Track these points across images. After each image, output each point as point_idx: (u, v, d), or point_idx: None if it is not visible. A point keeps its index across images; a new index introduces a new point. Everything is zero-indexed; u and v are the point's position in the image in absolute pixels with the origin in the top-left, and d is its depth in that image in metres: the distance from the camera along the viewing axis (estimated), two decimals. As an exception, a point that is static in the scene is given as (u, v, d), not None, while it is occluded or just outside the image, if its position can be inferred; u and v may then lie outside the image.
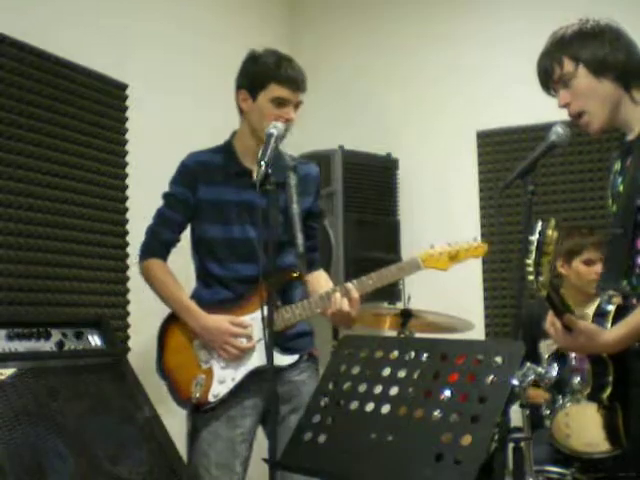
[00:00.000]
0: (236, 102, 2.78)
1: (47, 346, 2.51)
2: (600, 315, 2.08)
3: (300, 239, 2.44)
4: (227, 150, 2.81)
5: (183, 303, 2.73)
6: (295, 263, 2.68)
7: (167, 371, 2.72)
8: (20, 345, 2.43)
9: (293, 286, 2.78)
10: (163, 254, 2.80)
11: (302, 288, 2.83)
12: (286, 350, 2.70)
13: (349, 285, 2.68)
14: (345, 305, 2.64)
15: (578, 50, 2.15)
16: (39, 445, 2.21)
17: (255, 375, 2.68)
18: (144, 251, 2.82)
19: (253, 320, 2.70)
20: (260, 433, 2.80)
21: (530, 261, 1.89)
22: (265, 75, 2.69)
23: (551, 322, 2.06)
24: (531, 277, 1.89)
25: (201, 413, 2.64)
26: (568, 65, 2.16)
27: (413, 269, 2.74)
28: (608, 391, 2.05)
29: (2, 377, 2.27)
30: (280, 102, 2.68)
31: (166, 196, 2.82)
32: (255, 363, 2.69)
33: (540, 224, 1.90)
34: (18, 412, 2.22)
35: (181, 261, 2.88)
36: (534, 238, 1.89)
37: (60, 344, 2.53)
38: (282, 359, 2.67)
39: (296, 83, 2.70)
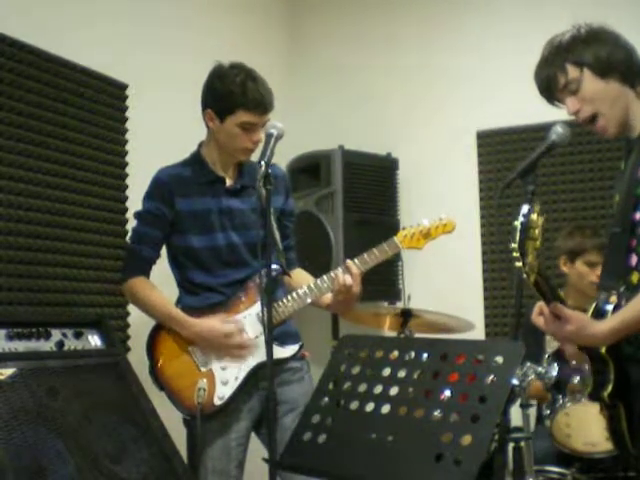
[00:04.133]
0: (203, 118, 2.78)
1: (47, 346, 2.50)
2: (598, 314, 2.08)
3: (277, 236, 2.44)
4: (197, 161, 2.83)
5: (171, 315, 2.72)
6: (278, 261, 2.66)
7: (165, 381, 2.69)
8: (20, 345, 2.43)
9: (276, 286, 2.78)
10: (144, 271, 2.79)
11: (283, 289, 2.83)
12: (283, 343, 2.73)
13: (349, 262, 2.71)
14: (348, 279, 2.66)
15: (580, 54, 2.13)
16: (39, 445, 2.20)
17: (255, 374, 2.69)
18: (125, 272, 2.82)
19: (245, 319, 2.72)
20: (252, 435, 2.81)
21: (515, 245, 1.87)
22: (232, 101, 2.67)
23: (538, 312, 2.04)
24: (518, 263, 1.88)
25: (205, 419, 2.61)
26: (572, 71, 2.14)
27: (393, 249, 2.77)
28: (609, 389, 2.05)
29: (2, 377, 2.27)
30: (248, 126, 2.70)
31: (140, 214, 2.81)
32: (256, 359, 2.69)
33: (524, 208, 1.89)
34: (18, 412, 2.21)
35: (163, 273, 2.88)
36: (518, 222, 1.88)
37: (60, 344, 2.53)
38: (282, 351, 2.70)
39: (263, 106, 2.70)
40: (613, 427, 2.10)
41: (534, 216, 1.87)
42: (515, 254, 1.88)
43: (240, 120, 2.69)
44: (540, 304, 2.04)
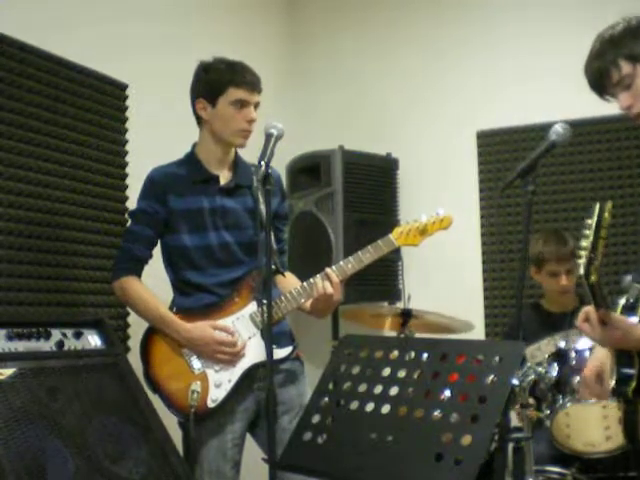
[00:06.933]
0: (194, 112, 2.80)
1: (47, 346, 2.50)
2: (629, 309, 2.07)
3: (272, 237, 2.45)
4: (191, 161, 2.84)
5: (162, 317, 2.71)
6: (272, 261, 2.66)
7: (159, 384, 2.69)
8: (20, 345, 2.43)
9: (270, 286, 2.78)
10: (136, 271, 2.78)
11: (276, 289, 2.82)
12: (278, 344, 2.70)
13: (328, 270, 2.70)
14: (328, 288, 2.67)
15: (632, 49, 2.10)
16: (39, 445, 2.20)
17: (249, 375, 2.69)
18: (116, 270, 2.81)
19: (238, 320, 2.72)
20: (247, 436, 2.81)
21: (587, 244, 1.84)
22: (222, 80, 2.73)
23: (583, 318, 2.02)
24: (581, 260, 1.84)
25: (199, 420, 2.61)
26: (626, 67, 2.11)
27: (388, 247, 2.75)
28: (633, 384, 2.03)
29: (2, 377, 2.27)
30: (241, 104, 2.72)
31: (134, 213, 2.82)
32: (250, 361, 2.69)
33: (598, 206, 1.86)
34: (18, 412, 2.21)
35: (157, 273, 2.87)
36: (591, 221, 1.85)
37: (60, 344, 2.53)
38: (277, 352, 2.68)
39: (253, 84, 2.75)
40: (628, 420, 2.09)
41: (606, 214, 1.85)
42: (583, 252, 1.85)
43: (232, 97, 2.72)
44: (586, 309, 2.02)
